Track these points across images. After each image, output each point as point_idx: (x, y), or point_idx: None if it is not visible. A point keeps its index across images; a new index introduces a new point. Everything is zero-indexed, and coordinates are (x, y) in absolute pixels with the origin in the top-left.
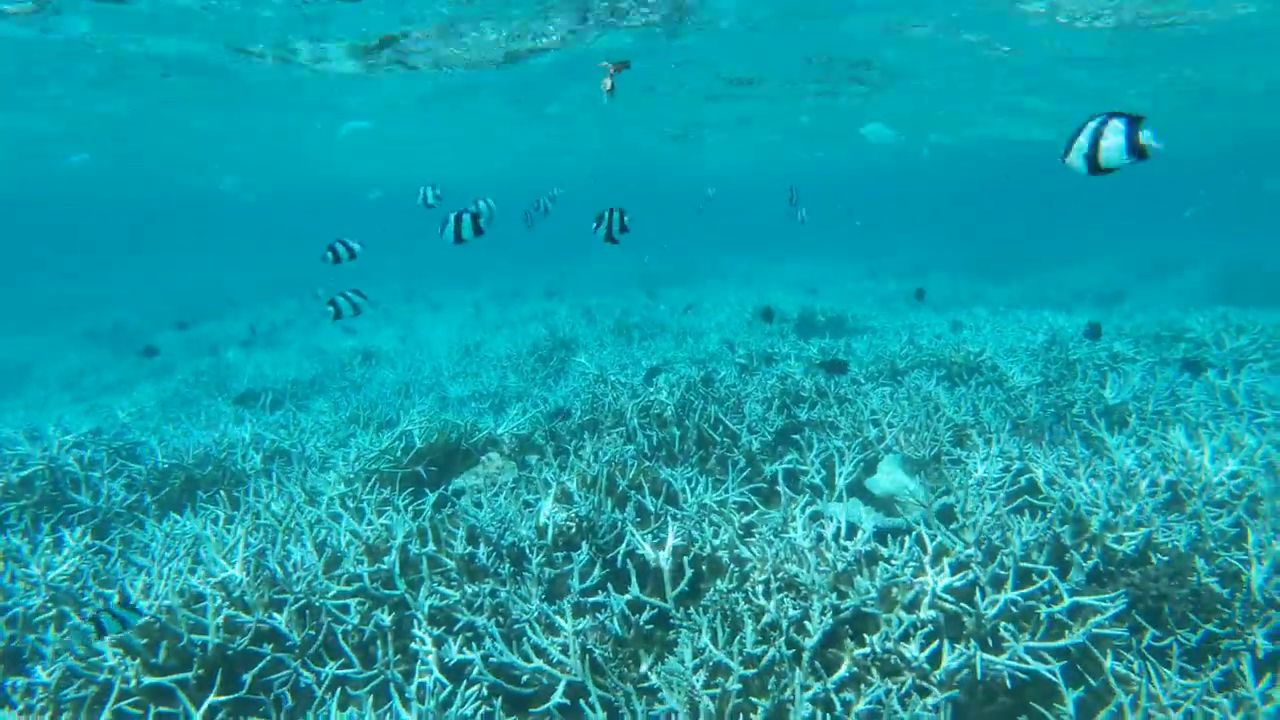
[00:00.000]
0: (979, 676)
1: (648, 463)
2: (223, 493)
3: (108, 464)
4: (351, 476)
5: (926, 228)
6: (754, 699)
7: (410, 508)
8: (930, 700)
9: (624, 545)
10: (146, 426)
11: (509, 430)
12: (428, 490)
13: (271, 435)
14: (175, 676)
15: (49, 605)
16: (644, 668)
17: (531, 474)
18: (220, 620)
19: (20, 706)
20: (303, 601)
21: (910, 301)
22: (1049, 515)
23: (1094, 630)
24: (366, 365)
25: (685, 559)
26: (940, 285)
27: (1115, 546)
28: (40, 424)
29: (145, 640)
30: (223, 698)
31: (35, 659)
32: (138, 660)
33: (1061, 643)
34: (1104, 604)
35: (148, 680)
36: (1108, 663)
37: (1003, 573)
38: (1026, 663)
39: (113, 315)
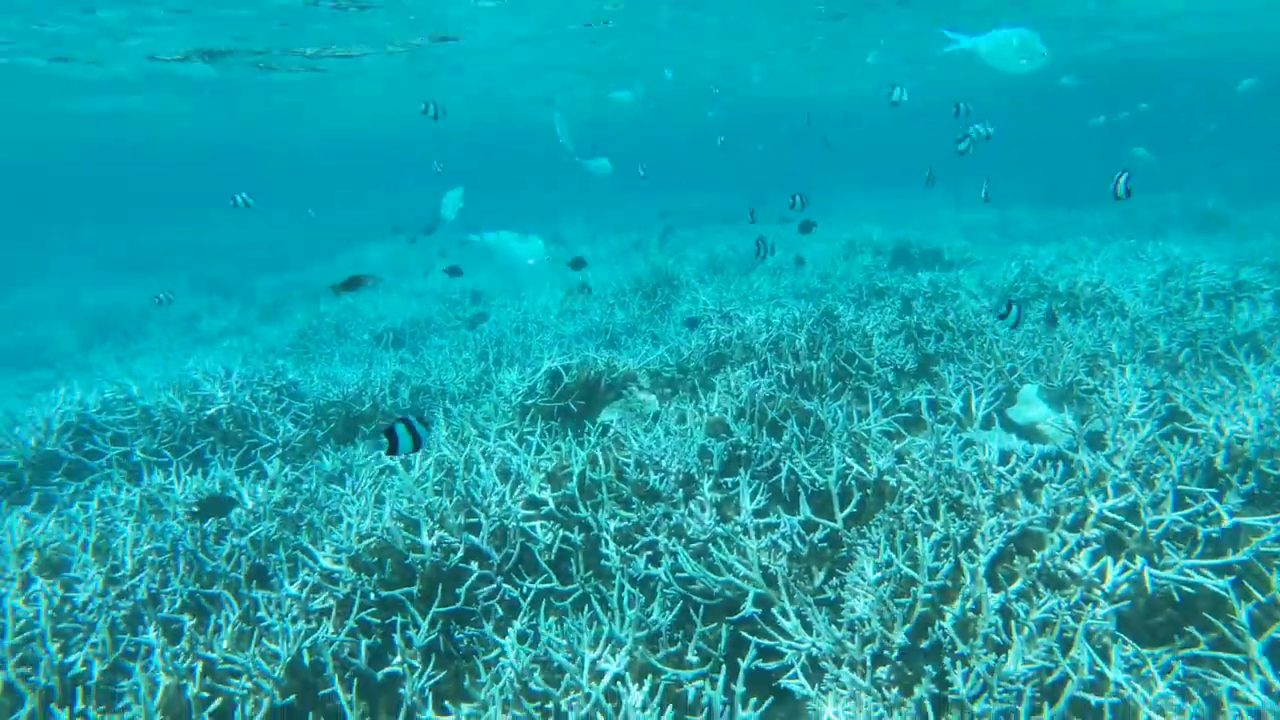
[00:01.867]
0: (1149, 590)
1: (786, 394)
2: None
3: (275, 403)
4: (509, 411)
5: (1002, 156)
6: (943, 607)
7: (571, 439)
8: (1100, 611)
9: (783, 471)
10: (282, 367)
11: (643, 365)
12: (587, 423)
13: (411, 372)
14: (402, 590)
15: (275, 528)
16: (817, 582)
17: (678, 405)
18: (434, 541)
19: (274, 616)
20: (496, 524)
21: (1001, 232)
22: (1200, 441)
23: (1260, 549)
24: (476, 304)
25: (846, 483)
26: (1027, 216)
27: (1271, 471)
28: (207, 368)
29: (375, 558)
30: (443, 609)
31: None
32: (374, 576)
33: (1225, 560)
34: (1265, 524)
35: (383, 594)
36: (1275, 578)
37: (1161, 495)
38: (1191, 577)
39: (217, 263)
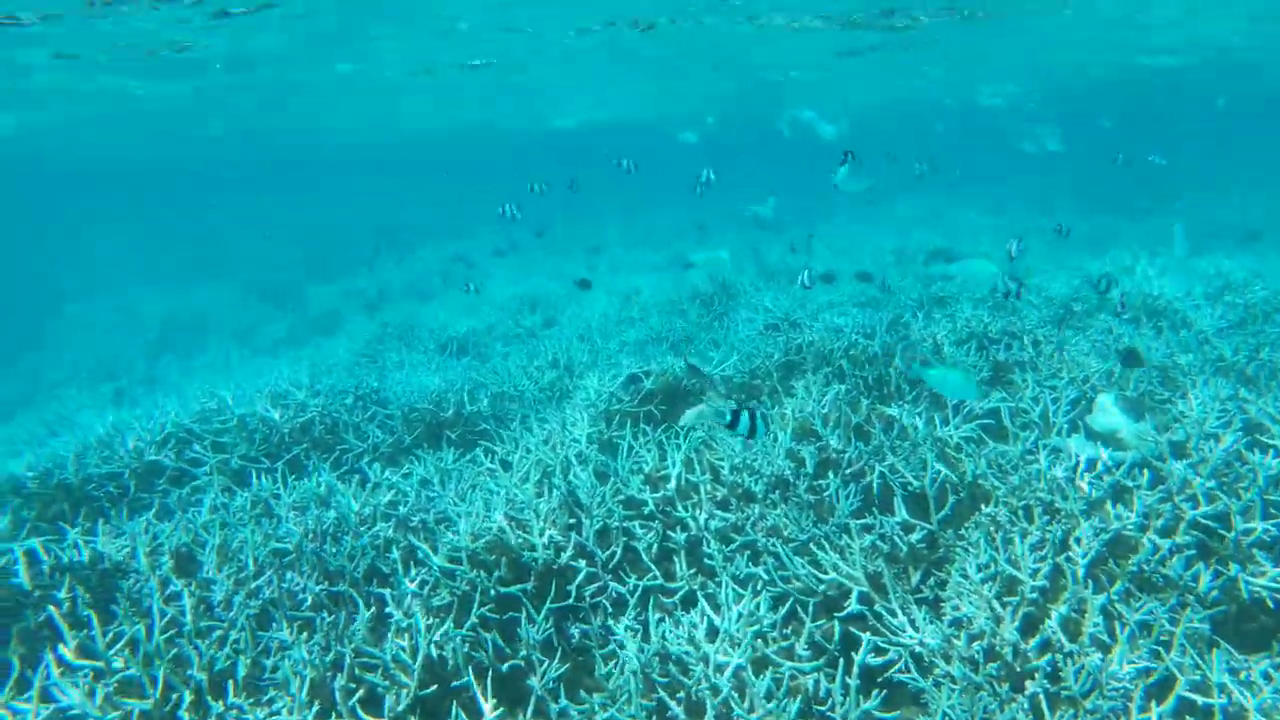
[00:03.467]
0: (1244, 596)
1: (865, 400)
2: (499, 429)
3: (362, 410)
4: (595, 416)
5: (1040, 162)
6: (1049, 606)
7: (660, 443)
8: (1196, 616)
9: (874, 474)
10: (363, 376)
11: (719, 371)
12: (672, 426)
13: (486, 379)
14: (518, 587)
15: (385, 532)
16: (914, 581)
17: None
18: (545, 540)
19: (399, 612)
20: (599, 524)
21: (1049, 240)
22: None
23: None
24: (534, 312)
25: (938, 486)
26: (1070, 223)
27: None
28: (293, 378)
29: (492, 556)
30: (555, 605)
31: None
32: (493, 574)
33: None
34: None
35: (502, 590)
36: None
37: (1249, 504)
38: None
39: (269, 272)
